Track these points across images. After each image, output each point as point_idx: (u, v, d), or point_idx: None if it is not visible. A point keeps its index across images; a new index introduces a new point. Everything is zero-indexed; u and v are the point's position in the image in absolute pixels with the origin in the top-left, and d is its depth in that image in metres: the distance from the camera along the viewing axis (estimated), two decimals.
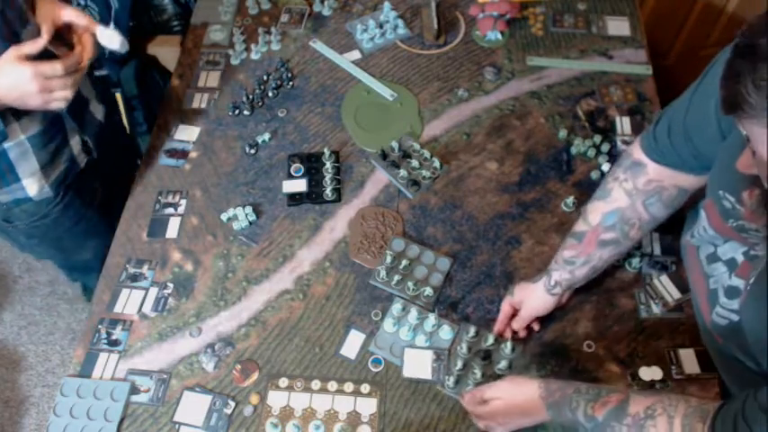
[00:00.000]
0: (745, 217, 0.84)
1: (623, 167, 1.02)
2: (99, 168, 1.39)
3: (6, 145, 1.14)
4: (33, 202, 1.26)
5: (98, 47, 1.15)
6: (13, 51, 1.03)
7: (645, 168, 0.99)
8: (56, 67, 1.03)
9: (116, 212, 1.37)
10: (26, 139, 1.16)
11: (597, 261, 1.06)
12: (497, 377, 1.07)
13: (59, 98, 1.07)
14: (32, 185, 1.23)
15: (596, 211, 1.04)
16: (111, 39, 1.15)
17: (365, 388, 1.09)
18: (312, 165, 1.36)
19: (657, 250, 1.21)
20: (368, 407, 1.08)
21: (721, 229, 0.89)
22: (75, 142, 1.28)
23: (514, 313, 1.12)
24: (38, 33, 1.09)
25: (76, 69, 1.08)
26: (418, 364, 1.11)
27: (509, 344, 1.09)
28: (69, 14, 1.12)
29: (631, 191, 1.00)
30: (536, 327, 1.12)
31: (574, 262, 1.06)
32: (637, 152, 1.01)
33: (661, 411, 0.79)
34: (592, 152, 1.34)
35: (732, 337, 0.89)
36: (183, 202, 1.33)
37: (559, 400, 0.89)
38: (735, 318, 0.89)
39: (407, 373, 1.11)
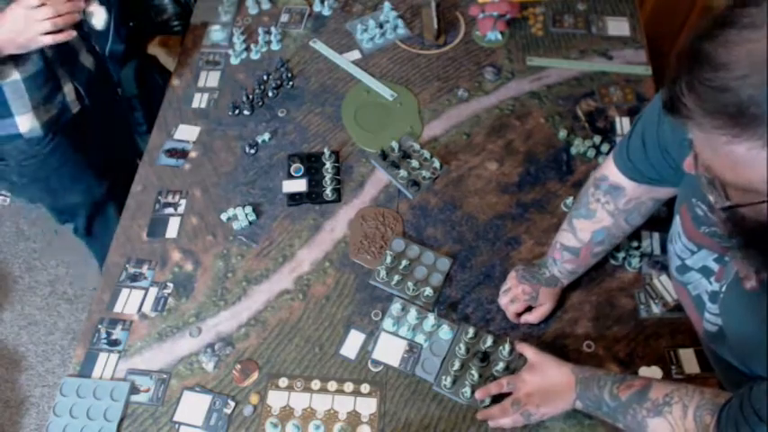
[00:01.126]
0: (718, 224, 0.83)
1: (603, 191, 1.05)
2: (90, 116, 1.46)
3: (2, 82, 1.25)
4: (24, 139, 1.35)
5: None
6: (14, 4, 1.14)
7: (623, 191, 1.02)
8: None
9: (104, 161, 1.51)
10: (21, 79, 1.27)
11: (592, 264, 1.16)
12: (495, 379, 1.07)
13: (40, 30, 1.15)
14: (24, 123, 1.32)
15: (585, 229, 1.08)
16: (97, 14, 1.27)
17: (365, 388, 1.09)
18: (312, 165, 1.36)
19: (657, 250, 1.21)
20: (368, 407, 1.08)
21: (694, 236, 0.90)
22: (68, 89, 1.38)
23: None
24: None
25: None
26: (389, 351, 1.12)
27: (507, 346, 1.09)
28: None
29: (613, 211, 1.05)
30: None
31: (576, 272, 1.14)
32: (613, 174, 1.03)
33: (677, 400, 0.85)
34: (591, 152, 1.34)
35: (722, 343, 0.89)
36: (183, 201, 1.33)
37: (589, 378, 0.96)
38: (721, 323, 0.89)
39: (375, 355, 1.12)
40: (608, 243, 1.10)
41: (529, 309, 1.14)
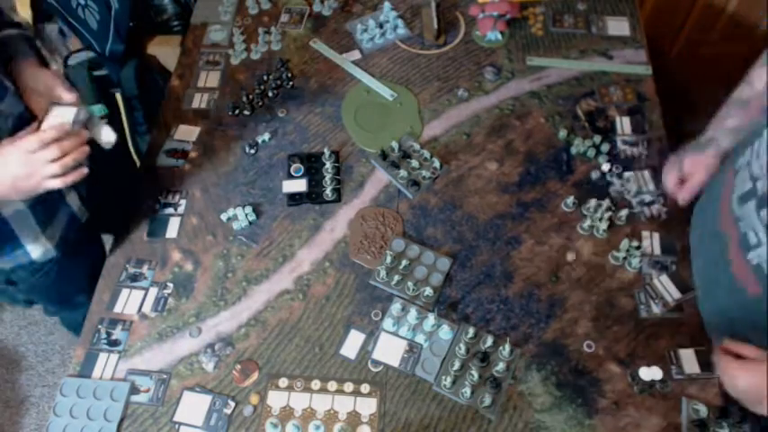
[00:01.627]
0: None
1: None
2: (100, 218, 1.34)
3: (6, 213, 1.10)
4: (38, 263, 1.22)
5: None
6: (7, 143, 0.97)
7: None
8: (31, 140, 0.96)
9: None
10: (26, 207, 1.13)
11: (756, 128, 1.00)
12: (494, 379, 1.07)
13: (47, 174, 0.98)
14: (36, 249, 1.19)
15: (761, 77, 1.01)
16: (108, 134, 1.09)
17: (365, 388, 1.09)
18: (312, 165, 1.36)
19: (657, 250, 1.21)
20: (368, 407, 1.08)
21: None
22: (71, 199, 1.25)
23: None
24: (16, 103, 1.04)
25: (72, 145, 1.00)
26: (389, 351, 1.12)
27: (507, 346, 1.09)
28: (69, 98, 1.05)
29: None
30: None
31: (737, 131, 1.05)
32: None
33: None
34: (592, 152, 1.34)
35: None
36: (183, 202, 1.33)
37: None
38: None
39: (375, 355, 1.12)
40: None
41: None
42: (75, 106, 1.04)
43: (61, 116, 1.03)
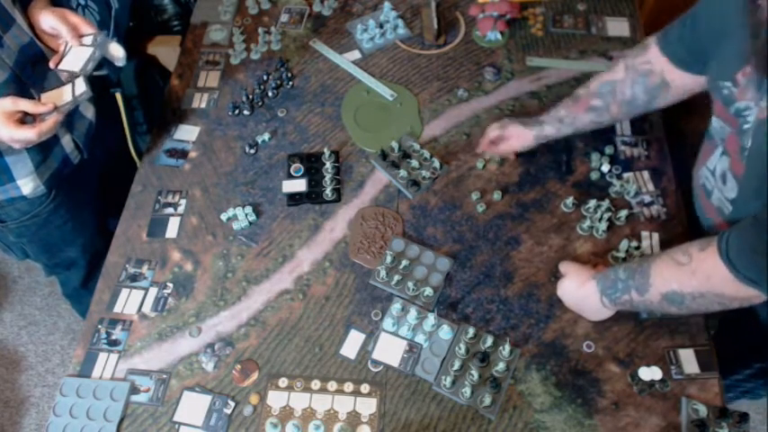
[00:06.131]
0: (738, 97, 0.94)
1: (633, 49, 1.18)
2: (92, 167, 1.39)
3: (1, 147, 1.14)
4: (27, 200, 1.26)
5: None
6: (10, 104, 1.03)
7: (647, 50, 1.15)
8: (29, 135, 1.04)
9: (107, 211, 1.36)
10: None
11: (579, 124, 1.23)
12: (494, 379, 1.07)
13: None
14: (27, 185, 1.24)
15: (597, 79, 1.20)
16: (116, 50, 1.17)
17: (365, 388, 1.09)
18: (312, 165, 1.36)
19: (657, 250, 1.21)
20: (367, 407, 1.08)
21: (725, 117, 1.00)
22: (66, 141, 1.29)
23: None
24: (23, 35, 1.10)
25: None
26: (389, 351, 1.12)
27: (507, 346, 1.09)
28: (78, 22, 1.13)
29: (629, 66, 1.16)
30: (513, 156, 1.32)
31: (563, 120, 1.23)
32: (648, 38, 1.16)
33: (678, 246, 0.98)
34: (596, 155, 1.33)
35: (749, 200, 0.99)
36: (183, 201, 1.33)
37: (604, 273, 1.07)
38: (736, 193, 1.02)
39: (375, 355, 1.12)
40: (604, 101, 1.18)
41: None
42: (93, 38, 1.14)
43: (78, 57, 1.14)
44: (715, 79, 1.00)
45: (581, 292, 1.10)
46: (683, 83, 1.12)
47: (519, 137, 1.27)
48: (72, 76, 1.13)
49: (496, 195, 1.29)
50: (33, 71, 1.16)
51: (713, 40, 1.00)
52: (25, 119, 1.06)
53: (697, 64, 1.07)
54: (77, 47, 1.14)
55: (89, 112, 1.36)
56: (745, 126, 0.94)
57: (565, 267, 1.15)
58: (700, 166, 1.13)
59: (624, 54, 1.20)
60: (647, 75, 1.14)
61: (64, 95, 1.11)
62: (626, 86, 1.16)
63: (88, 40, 1.15)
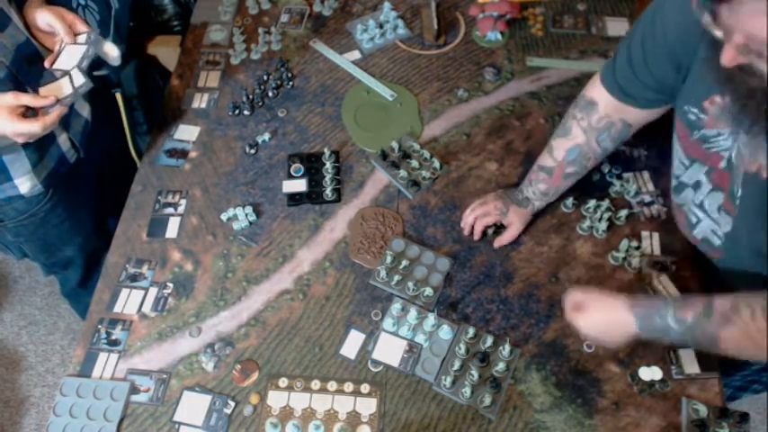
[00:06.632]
0: (707, 125, 0.93)
1: (579, 107, 1.13)
2: (89, 166, 1.40)
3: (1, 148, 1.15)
4: (24, 199, 1.27)
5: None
6: (12, 98, 1.03)
7: (597, 107, 1.10)
8: (34, 128, 1.05)
9: (105, 210, 1.37)
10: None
11: (562, 190, 1.23)
12: (494, 379, 1.07)
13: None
14: (24, 184, 1.24)
15: (560, 147, 1.17)
16: (111, 49, 1.19)
17: (365, 388, 1.09)
18: (312, 165, 1.36)
19: (657, 250, 1.21)
20: (368, 407, 1.08)
21: (687, 147, 0.99)
22: (62, 140, 1.29)
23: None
24: (19, 34, 1.11)
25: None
26: (389, 351, 1.12)
27: (507, 346, 1.09)
28: (73, 19, 1.14)
29: (587, 128, 1.13)
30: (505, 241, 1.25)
31: (548, 193, 1.22)
32: (590, 90, 1.12)
33: (745, 305, 0.86)
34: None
35: (736, 245, 0.98)
36: (183, 201, 1.33)
37: (646, 312, 0.95)
38: (729, 228, 0.99)
39: (375, 355, 1.12)
40: (579, 165, 1.17)
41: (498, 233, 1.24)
42: (88, 39, 1.14)
43: (72, 56, 1.13)
44: (680, 100, 0.98)
45: (613, 328, 0.98)
46: (645, 116, 1.09)
47: (520, 218, 1.22)
48: (66, 75, 1.13)
49: None
50: (29, 70, 1.16)
51: (661, 69, 0.98)
52: (27, 113, 1.06)
53: (650, 100, 1.04)
54: (71, 45, 1.14)
55: (85, 110, 1.36)
56: (721, 164, 0.93)
57: (580, 298, 1.01)
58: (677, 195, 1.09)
59: (574, 114, 1.14)
60: (609, 128, 1.11)
61: (63, 88, 1.11)
62: (592, 144, 1.13)
63: (82, 38, 1.15)
